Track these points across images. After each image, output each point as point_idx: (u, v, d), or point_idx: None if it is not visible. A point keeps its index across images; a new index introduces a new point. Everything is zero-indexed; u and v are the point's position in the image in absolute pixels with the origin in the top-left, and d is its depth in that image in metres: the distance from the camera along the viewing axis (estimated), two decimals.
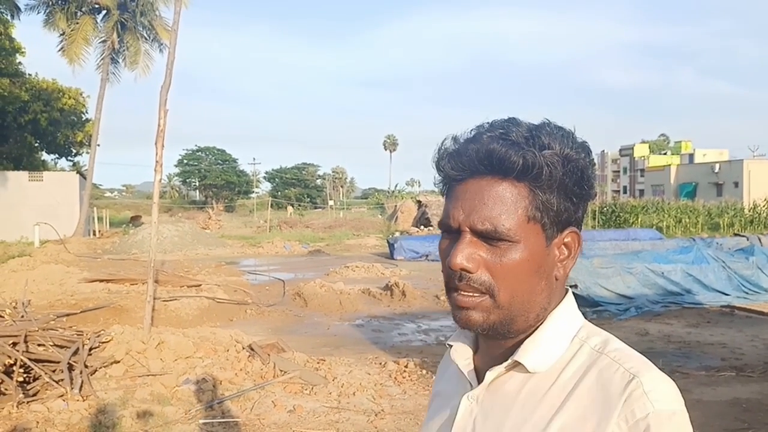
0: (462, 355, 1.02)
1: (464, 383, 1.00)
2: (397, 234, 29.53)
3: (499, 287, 0.90)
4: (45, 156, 44.57)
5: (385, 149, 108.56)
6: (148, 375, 5.93)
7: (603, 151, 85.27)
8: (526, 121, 0.94)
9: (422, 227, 32.48)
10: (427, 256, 21.30)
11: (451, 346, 1.04)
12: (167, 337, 6.61)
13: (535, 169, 0.88)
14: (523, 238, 0.90)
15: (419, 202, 37.93)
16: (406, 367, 6.89)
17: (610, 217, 36.37)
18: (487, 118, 0.97)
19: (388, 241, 23.72)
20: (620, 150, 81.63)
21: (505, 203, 0.89)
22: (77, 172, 36.60)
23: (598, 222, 35.47)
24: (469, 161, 0.91)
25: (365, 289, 12.85)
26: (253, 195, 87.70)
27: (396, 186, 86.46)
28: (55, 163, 45.95)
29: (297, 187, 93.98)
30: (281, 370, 6.26)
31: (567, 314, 0.98)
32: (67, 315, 9.35)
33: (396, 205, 44.31)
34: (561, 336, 0.95)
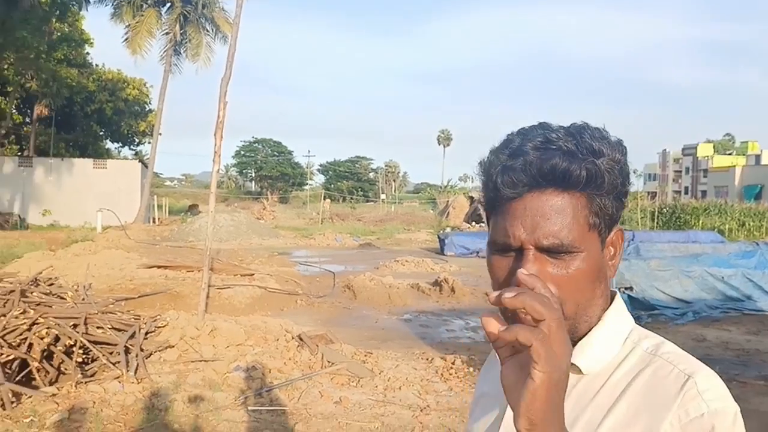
0: None
1: None
2: (448, 229, 29.40)
3: (566, 300, 0.89)
4: (109, 144, 46.23)
5: (439, 144, 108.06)
6: (200, 360, 6.08)
7: (665, 150, 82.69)
8: (555, 124, 0.92)
9: (474, 223, 32.22)
10: (477, 252, 21.13)
11: None
12: (220, 324, 6.78)
13: (598, 179, 0.88)
14: (585, 247, 0.90)
15: (472, 197, 37.63)
16: (453, 363, 6.86)
17: (669, 218, 35.29)
18: (537, 118, 0.94)
19: (438, 237, 23.64)
20: (683, 149, 78.93)
21: (567, 215, 0.88)
22: (139, 161, 37.81)
23: (657, 223, 34.46)
24: (528, 177, 0.88)
25: (414, 283, 12.85)
26: (307, 187, 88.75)
27: (449, 181, 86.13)
28: (119, 152, 47.65)
29: (350, 180, 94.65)
30: (329, 361, 6.33)
31: (619, 316, 0.97)
32: (125, 299, 9.69)
33: (448, 201, 44.09)
34: (614, 338, 0.95)
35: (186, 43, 31.82)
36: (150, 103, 44.40)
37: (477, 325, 9.83)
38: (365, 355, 6.88)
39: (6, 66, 30.29)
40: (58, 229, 28.37)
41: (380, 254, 21.28)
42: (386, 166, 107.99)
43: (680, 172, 78.85)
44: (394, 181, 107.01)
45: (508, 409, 0.95)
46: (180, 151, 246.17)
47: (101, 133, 43.75)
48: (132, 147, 47.68)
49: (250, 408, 5.18)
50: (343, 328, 9.17)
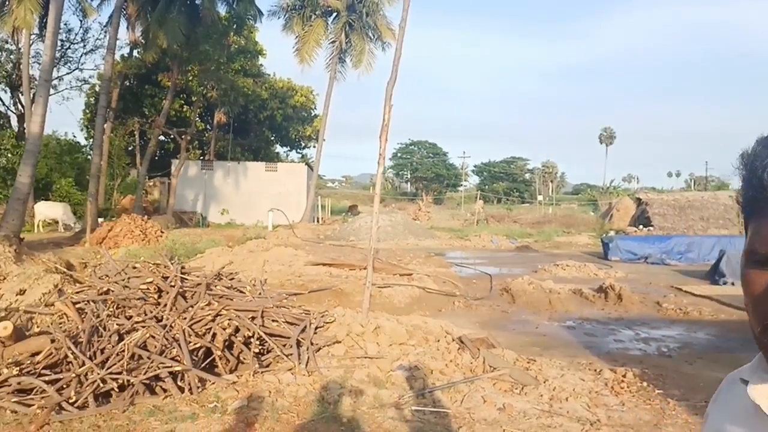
0: (767, 394, 0.87)
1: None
2: (612, 233, 27.84)
3: None
4: (278, 148, 49.42)
5: (601, 143, 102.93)
6: (365, 357, 6.26)
7: None
8: None
9: (641, 227, 30.23)
10: (646, 258, 19.81)
11: (746, 382, 0.90)
12: (383, 323, 6.93)
13: None
14: None
15: (639, 199, 35.34)
16: (623, 376, 6.44)
17: None
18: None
19: (602, 240, 22.48)
20: None
21: None
22: (305, 164, 40.01)
23: None
24: None
25: (576, 289, 12.30)
26: (461, 188, 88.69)
27: (611, 182, 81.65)
28: (286, 155, 50.75)
29: (505, 181, 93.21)
30: (491, 366, 6.22)
31: None
32: (295, 294, 10.24)
33: (611, 203, 41.80)
34: None
35: (350, 50, 33.14)
36: (315, 109, 46.90)
37: (648, 337, 9.18)
38: (528, 362, 6.68)
39: (191, 78, 33.46)
40: (234, 227, 30.83)
41: (538, 257, 20.68)
42: (543, 166, 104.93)
43: None
44: (551, 182, 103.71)
45: None
46: (340, 153, 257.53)
47: (272, 138, 46.93)
48: (299, 150, 50.63)
49: (413, 408, 5.22)
50: (502, 332, 9.00)
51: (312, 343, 6.36)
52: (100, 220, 23.63)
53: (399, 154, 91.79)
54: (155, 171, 36.30)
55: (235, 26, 32.95)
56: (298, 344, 6.28)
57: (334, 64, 33.19)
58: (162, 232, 20.86)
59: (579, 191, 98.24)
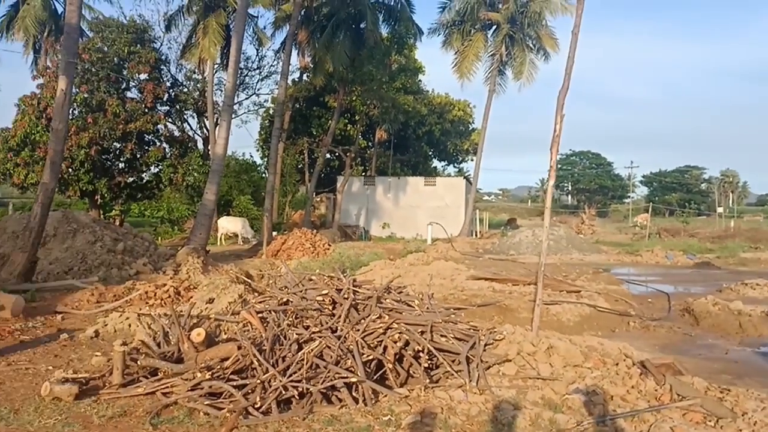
0: None
1: None
2: None
3: None
4: (435, 163, 49.98)
5: None
6: (538, 378, 6.03)
7: None
8: None
9: None
10: None
11: None
12: (555, 342, 6.64)
13: None
14: None
15: None
16: None
17: None
18: None
19: None
20: None
21: None
22: (464, 177, 40.07)
23: None
24: None
25: None
26: (628, 200, 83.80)
27: None
28: (443, 170, 51.15)
29: (678, 192, 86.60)
30: (678, 395, 5.71)
31: None
32: (458, 309, 10.18)
33: None
34: None
35: (510, 62, 32.75)
36: (472, 123, 46.87)
37: None
38: (721, 392, 6.04)
39: (354, 98, 34.94)
40: (395, 241, 31.55)
41: (721, 275, 18.82)
42: (722, 175, 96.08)
43: None
44: (731, 192, 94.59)
45: None
46: (496, 166, 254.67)
47: (430, 153, 47.60)
48: (456, 165, 50.82)
49: None
50: (685, 357, 8.25)
51: (482, 361, 6.25)
52: (274, 233, 25.31)
53: (559, 166, 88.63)
54: (322, 187, 38.28)
55: (396, 46, 33.97)
56: (468, 361, 6.21)
57: (493, 77, 32.95)
58: (329, 245, 21.86)
59: (765, 202, 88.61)
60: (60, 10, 32.37)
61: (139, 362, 6.42)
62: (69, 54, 13.80)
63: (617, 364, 6.36)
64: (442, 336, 6.56)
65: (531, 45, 32.64)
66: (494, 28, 33.22)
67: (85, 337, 8.53)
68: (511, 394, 5.70)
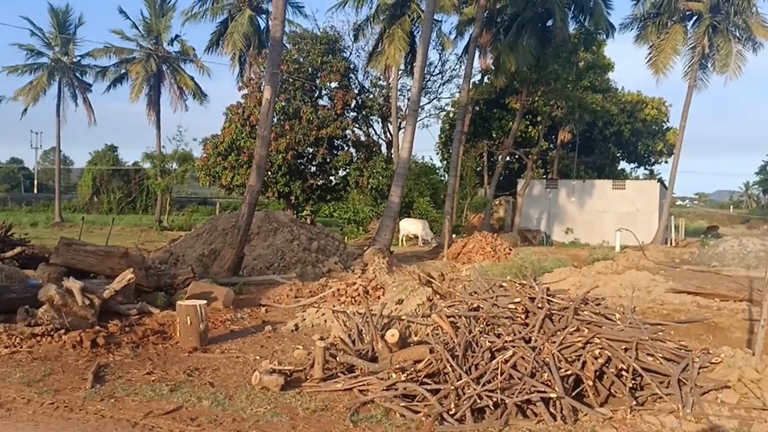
0: None
1: None
2: None
3: None
4: (623, 165, 46.98)
5: None
6: (764, 409, 5.32)
7: None
8: None
9: None
10: None
11: None
12: None
13: None
14: None
15: None
16: None
17: None
18: None
19: None
20: None
21: None
22: (657, 181, 37.23)
23: None
24: None
25: None
26: None
27: None
28: (632, 172, 47.93)
29: None
30: None
31: None
32: (660, 324, 9.37)
33: None
34: None
35: (713, 54, 29.79)
36: (667, 122, 43.37)
37: None
38: None
39: (537, 98, 33.98)
40: (579, 247, 30.14)
41: None
42: None
43: None
44: None
45: None
46: (692, 169, 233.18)
47: (618, 155, 44.83)
48: (647, 167, 47.37)
49: None
50: None
51: (696, 385, 5.66)
52: (453, 236, 25.40)
53: (767, 168, 79.39)
54: (501, 190, 37.73)
55: (584, 43, 32.48)
56: (680, 384, 5.65)
57: (693, 71, 30.14)
58: (510, 249, 21.43)
59: None
60: (263, 25, 35.32)
61: (338, 358, 6.70)
62: (273, 65, 14.92)
63: None
64: (648, 355, 6.05)
65: (738, 35, 29.35)
66: (695, 18, 30.41)
67: (286, 330, 9.13)
68: (733, 425, 5.09)
